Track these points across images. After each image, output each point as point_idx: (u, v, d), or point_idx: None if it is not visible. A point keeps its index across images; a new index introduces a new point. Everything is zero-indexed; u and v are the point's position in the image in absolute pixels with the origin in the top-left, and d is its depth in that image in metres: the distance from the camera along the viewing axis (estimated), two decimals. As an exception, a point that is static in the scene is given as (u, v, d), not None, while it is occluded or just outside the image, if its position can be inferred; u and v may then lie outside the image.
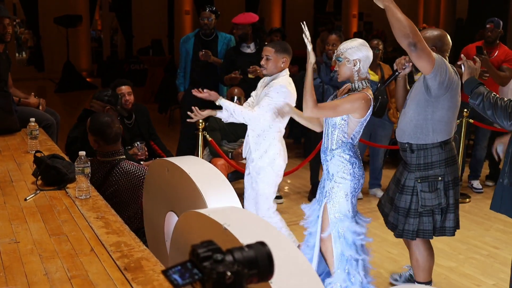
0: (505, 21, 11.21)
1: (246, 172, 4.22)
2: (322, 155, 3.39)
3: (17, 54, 19.87)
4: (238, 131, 5.23)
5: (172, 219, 2.30)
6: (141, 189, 3.06)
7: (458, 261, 4.43)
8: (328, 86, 5.42)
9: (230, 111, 3.84)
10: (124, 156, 3.27)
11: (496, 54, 5.82)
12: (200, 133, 4.72)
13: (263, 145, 3.99)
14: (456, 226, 3.50)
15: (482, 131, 6.14)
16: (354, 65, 3.27)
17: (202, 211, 1.65)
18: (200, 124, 4.72)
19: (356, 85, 3.30)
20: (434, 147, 3.37)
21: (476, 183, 6.31)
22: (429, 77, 3.32)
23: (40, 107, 4.73)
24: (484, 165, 6.49)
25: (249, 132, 4.09)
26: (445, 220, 3.44)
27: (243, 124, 5.24)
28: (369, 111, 3.24)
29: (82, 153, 2.46)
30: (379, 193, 5.96)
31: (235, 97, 5.16)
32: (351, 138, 3.29)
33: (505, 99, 3.08)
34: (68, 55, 14.11)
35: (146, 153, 4.54)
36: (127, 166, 3.16)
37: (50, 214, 2.29)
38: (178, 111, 10.04)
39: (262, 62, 3.87)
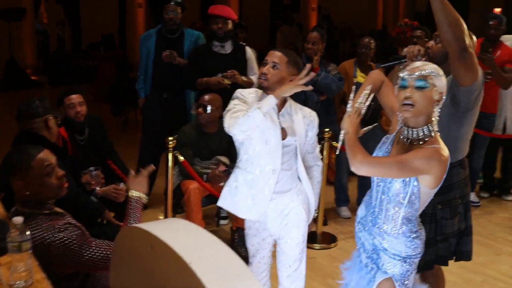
0: (465, 14, 10.80)
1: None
2: (370, 228, 2.55)
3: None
4: (213, 147, 4.43)
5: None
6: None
7: (477, 298, 3.81)
8: (312, 92, 4.67)
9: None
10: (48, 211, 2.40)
11: (498, 53, 5.21)
12: (170, 153, 3.91)
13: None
14: (471, 249, 3.11)
15: (480, 139, 5.53)
16: (438, 101, 2.34)
17: None
18: (171, 142, 3.91)
19: (421, 132, 2.37)
20: (454, 166, 2.90)
21: (473, 196, 5.70)
22: (466, 89, 2.78)
23: None
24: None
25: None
26: (462, 244, 3.05)
27: (217, 138, 4.46)
28: (445, 175, 2.37)
29: (18, 220, 1.65)
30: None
31: (208, 106, 4.34)
32: (419, 211, 2.52)
33: None
34: (10, 51, 12.99)
35: (103, 180, 3.74)
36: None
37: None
38: (134, 113, 9.20)
39: (265, 70, 2.80)
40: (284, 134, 2.82)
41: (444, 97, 2.35)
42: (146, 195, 2.68)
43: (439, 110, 2.37)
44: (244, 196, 2.88)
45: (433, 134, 2.36)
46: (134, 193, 2.65)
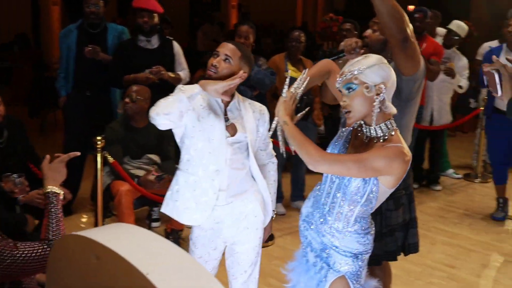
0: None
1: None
2: (318, 226, 2.39)
3: None
4: (141, 141, 4.22)
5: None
6: None
7: (419, 288, 3.81)
8: (245, 87, 4.54)
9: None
10: None
11: (424, 46, 5.28)
12: (99, 154, 3.67)
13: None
14: (418, 240, 3.05)
15: (409, 130, 5.60)
16: (377, 95, 2.15)
17: None
18: (99, 142, 3.67)
19: (379, 130, 2.20)
20: None
21: (403, 187, 5.77)
22: (408, 78, 2.73)
23: None
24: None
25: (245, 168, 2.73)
26: (409, 236, 2.99)
27: (146, 132, 4.24)
28: (405, 175, 2.21)
29: None
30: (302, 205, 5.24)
31: (133, 95, 4.15)
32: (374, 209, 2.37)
33: None
34: None
35: (27, 188, 3.45)
36: None
37: None
38: (53, 115, 8.78)
39: (215, 62, 2.56)
40: (233, 130, 2.61)
41: (384, 87, 2.15)
42: (72, 195, 2.40)
43: (383, 98, 2.16)
44: (186, 199, 2.62)
45: (393, 132, 2.20)
46: (49, 189, 2.37)
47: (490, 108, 5.11)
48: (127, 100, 4.17)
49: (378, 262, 2.93)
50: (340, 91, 2.25)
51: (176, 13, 18.27)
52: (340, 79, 2.21)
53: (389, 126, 2.20)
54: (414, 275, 3.98)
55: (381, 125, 2.19)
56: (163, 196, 4.03)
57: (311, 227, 2.45)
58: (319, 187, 2.47)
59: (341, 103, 2.23)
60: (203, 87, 2.48)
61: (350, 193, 2.26)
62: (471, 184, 6.35)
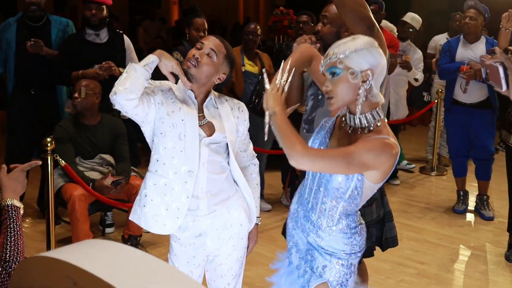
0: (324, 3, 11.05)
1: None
2: (303, 224, 2.22)
3: None
4: (94, 140, 3.94)
5: None
6: None
7: (391, 287, 3.68)
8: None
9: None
10: None
11: (381, 38, 5.19)
12: (49, 157, 3.36)
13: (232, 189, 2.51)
14: (396, 233, 3.00)
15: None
16: (363, 81, 1.95)
17: None
18: (49, 144, 3.36)
19: (364, 119, 2.02)
20: None
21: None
22: None
23: None
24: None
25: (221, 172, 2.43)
26: (386, 231, 2.92)
27: (99, 131, 3.97)
28: (393, 168, 2.02)
29: None
30: (263, 205, 5.06)
31: (83, 89, 3.89)
32: (360, 206, 2.17)
33: None
34: None
35: None
36: None
37: None
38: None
39: (198, 54, 2.28)
40: (210, 129, 2.34)
41: (371, 74, 1.94)
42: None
43: (370, 85, 1.95)
44: (156, 205, 2.33)
45: (379, 123, 2.01)
46: (8, 202, 2.08)
47: (449, 101, 5.06)
48: (76, 95, 3.90)
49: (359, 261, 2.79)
50: (324, 75, 2.06)
51: (114, 9, 17.76)
52: (324, 61, 2.02)
53: (375, 116, 2.01)
54: (384, 273, 3.86)
55: (366, 114, 2.00)
56: (119, 200, 3.81)
57: (298, 225, 2.28)
58: (303, 182, 2.29)
59: (323, 88, 2.04)
60: (159, 56, 2.23)
61: (332, 188, 2.07)
62: (428, 177, 6.33)
